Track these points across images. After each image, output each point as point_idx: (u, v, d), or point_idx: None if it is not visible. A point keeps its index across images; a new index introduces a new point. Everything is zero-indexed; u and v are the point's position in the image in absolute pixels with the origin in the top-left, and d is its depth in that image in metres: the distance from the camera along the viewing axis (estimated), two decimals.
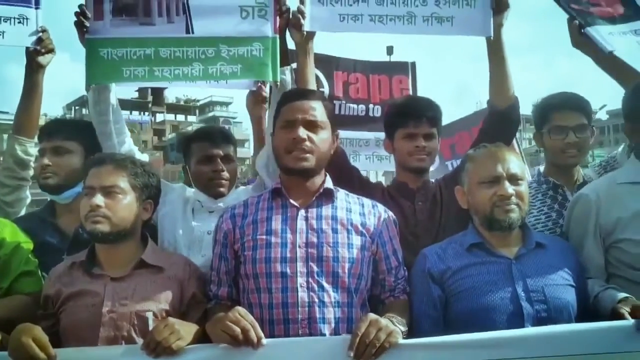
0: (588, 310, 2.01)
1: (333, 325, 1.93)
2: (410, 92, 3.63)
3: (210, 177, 2.57)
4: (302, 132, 2.03)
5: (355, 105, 3.65)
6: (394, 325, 1.76)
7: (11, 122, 2.80)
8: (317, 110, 2.09)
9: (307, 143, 2.03)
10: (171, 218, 2.56)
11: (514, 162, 2.09)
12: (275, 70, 2.47)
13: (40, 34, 2.57)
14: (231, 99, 65.85)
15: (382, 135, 3.51)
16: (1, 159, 2.79)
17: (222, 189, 2.58)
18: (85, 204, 2.02)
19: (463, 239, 2.14)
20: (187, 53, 2.46)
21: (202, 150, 2.61)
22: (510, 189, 2.03)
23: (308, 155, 2.04)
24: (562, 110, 2.58)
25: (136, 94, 61.41)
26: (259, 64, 2.47)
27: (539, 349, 1.69)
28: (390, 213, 2.20)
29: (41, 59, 2.60)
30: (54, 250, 2.35)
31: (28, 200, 2.79)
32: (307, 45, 2.53)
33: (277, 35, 2.50)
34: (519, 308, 1.95)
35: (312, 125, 2.06)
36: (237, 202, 2.26)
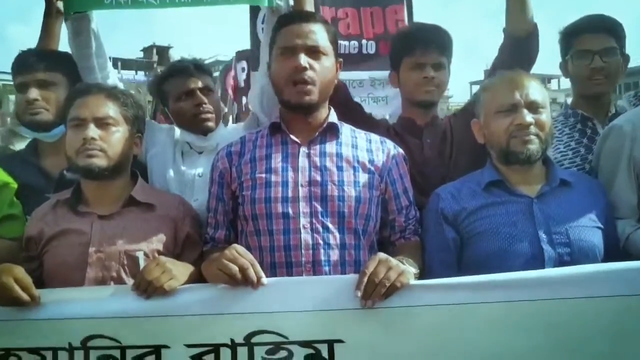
0: (616, 254, 1.83)
1: (339, 268, 1.80)
2: (406, 23, 3.31)
3: (194, 113, 2.38)
4: (304, 60, 1.82)
5: (346, 42, 3.28)
6: (405, 265, 1.59)
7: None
8: (319, 35, 1.87)
9: (310, 72, 1.83)
10: (160, 159, 2.39)
11: (534, 88, 1.88)
12: None
13: None
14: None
15: (377, 74, 3.22)
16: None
17: (209, 123, 2.40)
18: (75, 137, 1.86)
19: (480, 177, 1.95)
20: None
21: (178, 86, 2.41)
22: (528, 117, 1.83)
23: (310, 87, 1.84)
24: (586, 33, 2.35)
25: (141, 54, 60.81)
26: None
27: (562, 290, 1.52)
28: (400, 149, 2.03)
29: (60, 3, 2.39)
30: (38, 193, 2.15)
31: None
32: None
33: None
34: (539, 251, 1.77)
35: (314, 52, 1.85)
36: (227, 140, 2.09)
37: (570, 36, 2.40)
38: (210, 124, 2.40)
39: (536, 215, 1.82)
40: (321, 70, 1.85)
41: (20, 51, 2.39)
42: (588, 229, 1.82)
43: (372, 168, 1.91)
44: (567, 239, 1.79)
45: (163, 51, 57.90)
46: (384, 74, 3.23)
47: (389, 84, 3.21)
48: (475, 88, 3.40)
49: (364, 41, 3.29)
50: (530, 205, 1.84)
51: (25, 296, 1.60)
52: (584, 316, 1.51)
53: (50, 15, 2.47)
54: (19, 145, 2.62)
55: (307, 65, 1.82)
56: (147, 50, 58.33)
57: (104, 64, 2.40)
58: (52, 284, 1.80)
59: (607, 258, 1.79)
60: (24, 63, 2.32)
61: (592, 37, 2.33)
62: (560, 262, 1.75)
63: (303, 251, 1.78)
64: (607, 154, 2.06)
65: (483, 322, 1.52)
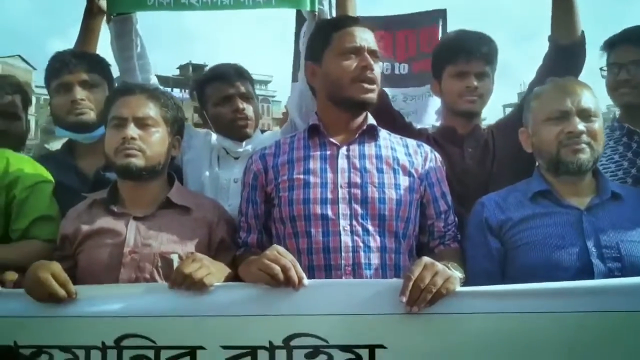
0: None
1: (380, 272, 1.76)
2: None
3: (232, 118, 2.38)
4: (370, 60, 1.85)
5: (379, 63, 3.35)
6: (451, 271, 1.53)
7: None
8: (374, 40, 1.92)
9: (371, 74, 1.86)
10: (196, 164, 2.39)
11: (587, 96, 1.81)
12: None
13: None
14: (270, 78, 65.93)
15: (409, 90, 3.22)
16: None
17: (247, 130, 2.40)
18: (115, 136, 1.86)
19: (527, 187, 1.89)
20: None
21: (217, 91, 2.42)
22: (580, 125, 1.76)
23: (375, 86, 1.87)
24: (618, 46, 2.35)
25: (177, 72, 62.00)
26: None
27: (613, 302, 1.46)
28: (437, 153, 2.00)
29: (102, 2, 2.43)
30: (73, 193, 2.15)
31: None
32: None
33: None
34: (588, 265, 1.69)
35: (374, 54, 1.89)
36: (264, 145, 2.07)
37: (606, 49, 2.40)
38: (248, 130, 2.40)
39: (585, 228, 1.74)
40: (378, 73, 1.89)
41: (57, 52, 2.41)
42: None
43: (412, 171, 1.88)
44: (618, 253, 1.70)
45: (199, 69, 58.99)
46: (416, 90, 3.23)
47: (420, 99, 3.21)
48: (508, 111, 3.29)
49: (396, 64, 3.31)
50: (580, 217, 1.76)
51: (62, 292, 1.59)
52: (633, 329, 1.44)
53: (91, 13, 2.48)
54: (54, 145, 2.62)
55: (374, 66, 1.86)
56: (183, 68, 59.41)
57: (145, 66, 2.41)
58: (85, 284, 1.76)
59: None
60: (65, 64, 2.32)
61: (623, 49, 2.33)
62: (610, 277, 1.66)
63: (343, 254, 1.74)
64: None
65: (530, 332, 1.46)
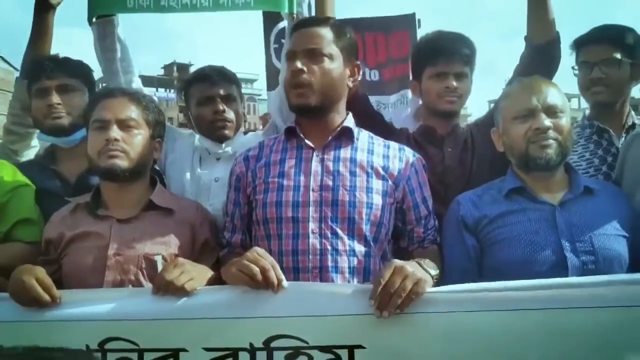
0: None
1: (347, 275, 1.77)
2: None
3: (212, 120, 2.39)
4: (299, 63, 1.83)
5: None
6: (422, 271, 1.54)
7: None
8: (324, 38, 1.87)
9: (305, 75, 1.83)
10: (179, 165, 2.41)
11: (553, 94, 1.85)
12: (292, 1, 2.27)
13: None
14: (257, 76, 65.62)
15: (382, 98, 3.26)
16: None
17: (225, 131, 2.40)
18: (98, 138, 1.88)
19: (501, 185, 1.92)
20: None
21: (200, 91, 2.42)
22: (546, 121, 1.81)
23: (306, 89, 1.83)
24: (588, 44, 2.36)
25: (162, 71, 61.66)
26: None
27: (582, 300, 1.47)
28: (419, 157, 1.99)
29: None
30: (55, 197, 2.17)
31: (37, 149, 2.63)
32: None
33: None
34: (562, 259, 1.73)
35: (313, 55, 1.85)
36: (244, 147, 2.08)
37: (576, 46, 2.41)
38: (227, 131, 2.41)
39: (559, 223, 1.78)
40: (319, 73, 1.84)
41: (37, 57, 2.42)
42: (613, 237, 1.77)
43: (386, 175, 1.87)
44: (592, 247, 1.74)
45: (183, 68, 58.77)
46: (388, 98, 3.27)
47: (394, 106, 3.23)
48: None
49: (367, 70, 3.30)
50: (553, 212, 1.80)
51: (46, 296, 1.60)
52: (600, 326, 1.46)
53: (41, 7, 2.45)
54: (20, 147, 2.61)
55: (303, 68, 1.82)
56: (167, 68, 59.17)
57: (127, 67, 2.43)
58: (71, 287, 1.78)
59: (631, 267, 1.75)
60: (42, 69, 2.33)
61: (593, 48, 2.34)
62: (584, 271, 1.70)
63: (311, 256, 1.76)
64: (630, 162, 2.01)
65: (501, 330, 1.48)
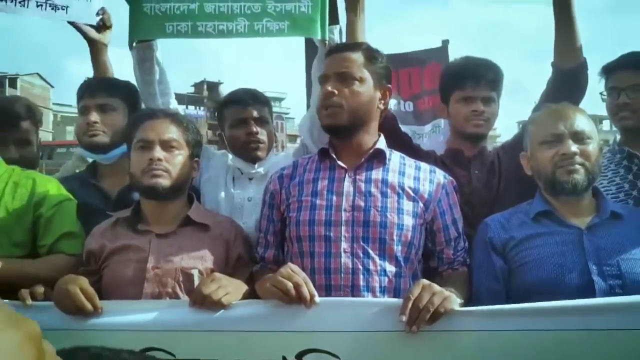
0: None
1: (378, 294, 1.81)
2: None
3: (245, 141, 2.47)
4: (330, 86, 1.92)
5: None
6: (449, 292, 1.59)
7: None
8: (355, 62, 1.95)
9: (335, 98, 1.91)
10: (213, 184, 2.48)
11: (580, 120, 1.89)
12: (324, 28, 2.33)
13: (102, 15, 2.64)
14: (284, 95, 66.32)
15: (418, 128, 3.36)
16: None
17: (258, 153, 2.48)
18: (142, 158, 1.96)
19: (529, 208, 1.95)
20: (232, 8, 2.35)
21: (234, 114, 2.51)
22: (573, 147, 1.84)
23: (336, 110, 1.92)
24: (616, 70, 2.38)
25: (192, 89, 62.63)
26: (306, 21, 2.33)
27: (611, 321, 1.48)
28: (450, 178, 2.03)
29: (102, 38, 2.65)
30: (96, 212, 2.26)
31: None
32: (359, 1, 2.35)
33: None
34: (590, 282, 1.74)
35: (344, 78, 1.94)
36: (276, 167, 2.16)
37: (606, 73, 2.43)
38: (260, 153, 2.48)
39: (586, 246, 1.79)
40: (350, 94, 1.92)
41: (86, 78, 2.57)
42: None
43: (417, 196, 1.91)
44: (619, 271, 1.75)
45: (213, 87, 59.58)
46: (423, 128, 3.35)
47: (427, 137, 3.30)
48: None
49: (401, 101, 3.39)
50: (580, 236, 1.82)
51: (89, 305, 1.68)
52: (635, 348, 1.46)
53: (90, 44, 2.69)
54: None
55: (334, 91, 1.91)
56: (198, 86, 60.06)
57: (165, 89, 2.52)
58: (110, 298, 1.85)
59: None
60: (87, 89, 2.47)
61: (621, 74, 2.35)
62: (611, 294, 1.70)
63: (342, 275, 1.81)
64: None
65: (527, 350, 1.50)
